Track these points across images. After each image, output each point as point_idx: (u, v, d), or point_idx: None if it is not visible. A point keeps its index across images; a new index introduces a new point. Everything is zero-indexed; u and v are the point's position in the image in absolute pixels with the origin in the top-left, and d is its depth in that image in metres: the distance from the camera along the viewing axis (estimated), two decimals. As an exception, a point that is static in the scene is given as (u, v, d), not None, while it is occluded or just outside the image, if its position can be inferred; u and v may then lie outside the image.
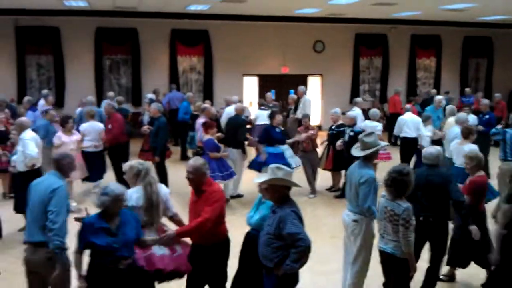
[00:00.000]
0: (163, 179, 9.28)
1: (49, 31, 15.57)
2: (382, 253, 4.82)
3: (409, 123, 10.48)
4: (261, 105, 13.51)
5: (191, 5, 13.84)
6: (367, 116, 10.91)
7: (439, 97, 13.02)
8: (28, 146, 7.11)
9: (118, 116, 10.31)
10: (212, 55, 17.04)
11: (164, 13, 15.39)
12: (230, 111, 11.41)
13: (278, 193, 4.17)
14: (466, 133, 7.72)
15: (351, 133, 8.91)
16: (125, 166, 4.83)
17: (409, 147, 10.40)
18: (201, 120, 9.88)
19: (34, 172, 6.92)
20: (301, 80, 17.47)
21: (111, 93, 13.77)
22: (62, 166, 4.50)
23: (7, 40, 15.34)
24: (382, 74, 18.87)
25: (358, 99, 12.60)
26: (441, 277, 5.88)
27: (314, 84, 18.36)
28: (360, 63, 18.58)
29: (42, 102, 12.57)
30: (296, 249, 3.95)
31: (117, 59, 16.60)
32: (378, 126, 9.98)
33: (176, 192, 8.06)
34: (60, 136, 8.79)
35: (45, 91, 13.39)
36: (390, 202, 4.64)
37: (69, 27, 15.65)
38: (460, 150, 7.50)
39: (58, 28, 15.61)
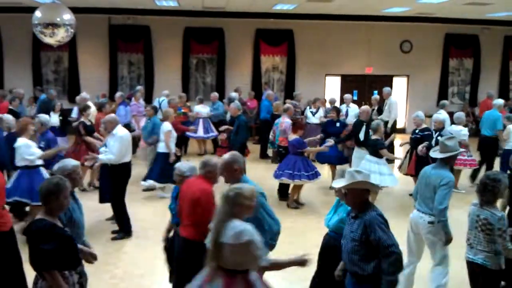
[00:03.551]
0: None
1: (140, 29, 16.25)
2: (471, 264, 4.59)
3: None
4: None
5: (277, 4, 13.91)
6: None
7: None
8: (116, 145, 7.14)
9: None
10: (295, 54, 17.04)
11: (250, 13, 15.59)
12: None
13: (359, 198, 3.91)
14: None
15: (439, 138, 8.54)
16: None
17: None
18: (285, 120, 9.89)
19: (124, 166, 7.24)
20: (386, 80, 17.07)
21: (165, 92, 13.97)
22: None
23: (101, 38, 16.19)
24: (472, 77, 18.02)
25: (445, 102, 12.05)
26: None
27: (399, 85, 17.87)
28: (449, 64, 17.86)
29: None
30: (389, 258, 3.68)
31: (203, 58, 17.02)
32: (463, 131, 9.56)
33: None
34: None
35: (139, 87, 13.95)
36: (483, 211, 4.43)
37: (159, 26, 16.26)
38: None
39: (149, 27, 16.25)
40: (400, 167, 9.59)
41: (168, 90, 14.00)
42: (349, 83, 17.26)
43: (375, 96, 13.73)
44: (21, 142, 6.84)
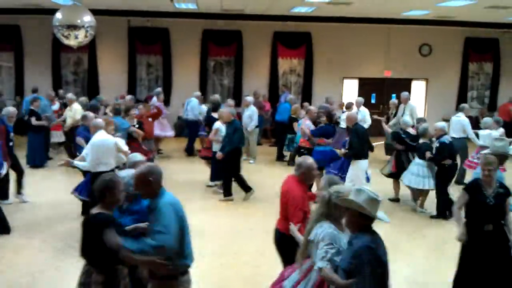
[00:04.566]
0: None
1: (159, 32, 16.37)
2: None
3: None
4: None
5: (295, 7, 13.91)
6: (474, 124, 10.40)
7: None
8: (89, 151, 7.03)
9: None
10: (313, 57, 17.02)
11: (268, 16, 15.61)
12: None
13: (353, 219, 3.48)
14: None
15: (437, 145, 8.46)
16: None
17: None
18: (306, 122, 9.93)
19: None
20: (405, 84, 16.96)
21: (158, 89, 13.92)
22: None
23: (120, 40, 16.35)
24: (492, 81, 17.81)
25: (465, 105, 11.83)
26: None
27: (418, 89, 17.73)
28: (469, 68, 17.68)
29: (154, 99, 13.23)
30: None
31: (221, 60, 17.08)
32: (493, 133, 9.49)
33: (268, 193, 8.28)
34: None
35: (158, 89, 14.04)
36: None
37: (178, 29, 16.36)
38: None
39: (167, 29, 16.37)
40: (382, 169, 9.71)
41: (186, 92, 14.09)
42: (367, 87, 17.17)
43: (393, 100, 13.61)
44: None
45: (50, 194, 9.34)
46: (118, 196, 3.79)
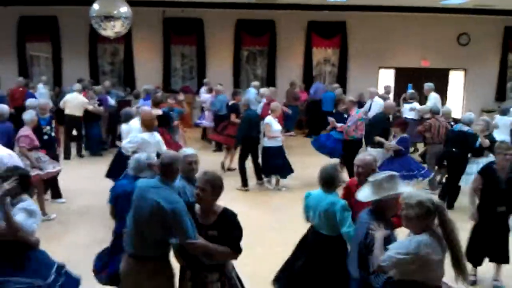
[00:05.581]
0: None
1: (193, 22, 16.41)
2: None
3: None
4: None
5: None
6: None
7: None
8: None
9: None
10: (348, 47, 16.80)
11: (303, 5, 15.46)
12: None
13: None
14: None
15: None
16: None
17: None
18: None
19: None
20: (442, 74, 16.63)
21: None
22: None
23: (155, 31, 16.46)
24: (533, 71, 17.29)
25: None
26: None
27: (456, 79, 17.33)
28: (508, 58, 17.17)
29: (203, 89, 13.56)
30: None
31: (254, 50, 17.05)
32: None
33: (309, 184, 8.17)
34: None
35: (206, 79, 14.08)
36: None
37: (212, 19, 16.37)
38: None
39: (201, 19, 16.39)
40: None
41: (219, 82, 14.06)
42: (403, 77, 16.84)
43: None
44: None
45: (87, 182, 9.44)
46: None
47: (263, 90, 12.41)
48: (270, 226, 7.55)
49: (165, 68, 16.74)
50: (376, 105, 11.48)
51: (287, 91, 15.05)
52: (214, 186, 3.75)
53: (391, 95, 13.49)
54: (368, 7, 15.55)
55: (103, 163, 8.59)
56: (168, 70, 16.79)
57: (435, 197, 3.39)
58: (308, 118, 15.25)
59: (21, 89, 12.98)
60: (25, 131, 7.29)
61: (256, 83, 13.96)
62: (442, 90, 16.13)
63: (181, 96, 12.19)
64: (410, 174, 8.05)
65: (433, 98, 11.65)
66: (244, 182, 9.41)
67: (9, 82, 14.81)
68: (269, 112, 9.45)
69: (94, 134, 12.03)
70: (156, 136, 7.01)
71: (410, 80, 16.58)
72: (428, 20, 16.25)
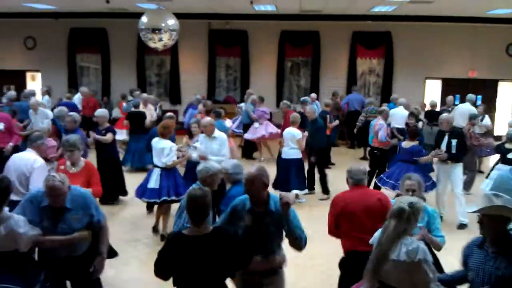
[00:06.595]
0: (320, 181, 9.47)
1: (238, 34, 16.64)
2: None
3: None
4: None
5: (375, 6, 13.65)
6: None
7: None
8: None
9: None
10: (393, 57, 16.62)
11: (347, 16, 15.40)
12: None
13: (495, 228, 3.29)
14: None
15: None
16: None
17: None
18: (379, 122, 9.71)
19: None
20: (491, 85, 16.20)
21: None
22: None
23: (201, 43, 16.79)
24: None
25: None
26: None
27: (505, 90, 16.84)
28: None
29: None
30: None
31: (298, 61, 17.10)
32: None
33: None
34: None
35: (250, 90, 14.24)
36: None
37: (256, 31, 16.55)
38: None
39: (246, 31, 16.59)
40: None
41: (263, 93, 14.15)
42: (450, 87, 16.48)
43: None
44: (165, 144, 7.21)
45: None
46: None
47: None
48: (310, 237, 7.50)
49: (209, 79, 17.01)
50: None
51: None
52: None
53: (438, 107, 13.20)
54: (414, 17, 15.33)
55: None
56: (212, 81, 17.05)
57: None
58: (348, 129, 15.14)
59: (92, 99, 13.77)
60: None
61: (313, 94, 14.08)
62: (490, 102, 15.75)
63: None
64: None
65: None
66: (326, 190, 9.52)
67: (59, 91, 15.40)
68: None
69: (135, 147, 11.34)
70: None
71: (457, 91, 16.23)
72: (476, 30, 15.89)
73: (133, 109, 11.32)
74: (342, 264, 4.50)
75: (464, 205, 7.79)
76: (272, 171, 8.40)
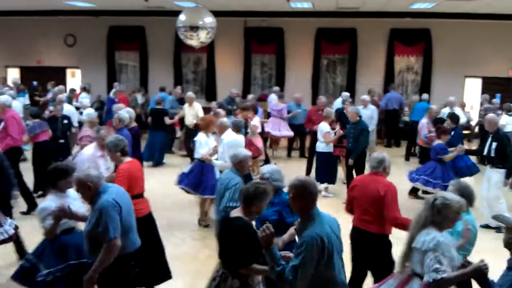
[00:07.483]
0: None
1: (274, 31, 16.62)
2: None
3: None
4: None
5: (414, 3, 13.42)
6: None
7: None
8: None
9: None
10: (432, 54, 16.30)
11: (385, 12, 15.19)
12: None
13: None
14: None
15: None
16: None
17: None
18: (423, 121, 9.59)
19: None
20: (534, 84, 15.72)
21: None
22: None
23: (237, 40, 16.85)
24: None
25: None
26: None
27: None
28: None
29: (275, 97, 13.44)
30: None
31: (334, 58, 16.97)
32: None
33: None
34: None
35: (276, 88, 14.22)
36: None
37: (292, 28, 16.50)
38: None
39: (282, 28, 16.56)
40: None
41: (298, 90, 14.11)
42: (491, 86, 16.05)
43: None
44: (199, 137, 7.62)
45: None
46: (263, 207, 3.76)
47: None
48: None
49: (245, 77, 17.05)
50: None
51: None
52: None
53: (477, 105, 12.89)
54: (454, 14, 15.01)
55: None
56: (248, 79, 17.09)
57: None
58: (386, 129, 14.94)
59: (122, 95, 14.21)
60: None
61: (346, 93, 13.10)
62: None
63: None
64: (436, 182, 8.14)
65: None
66: None
67: (98, 88, 15.72)
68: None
69: (155, 143, 11.72)
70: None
71: (498, 90, 15.82)
72: (518, 27, 15.45)
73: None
74: (350, 236, 4.99)
75: (492, 213, 7.13)
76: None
